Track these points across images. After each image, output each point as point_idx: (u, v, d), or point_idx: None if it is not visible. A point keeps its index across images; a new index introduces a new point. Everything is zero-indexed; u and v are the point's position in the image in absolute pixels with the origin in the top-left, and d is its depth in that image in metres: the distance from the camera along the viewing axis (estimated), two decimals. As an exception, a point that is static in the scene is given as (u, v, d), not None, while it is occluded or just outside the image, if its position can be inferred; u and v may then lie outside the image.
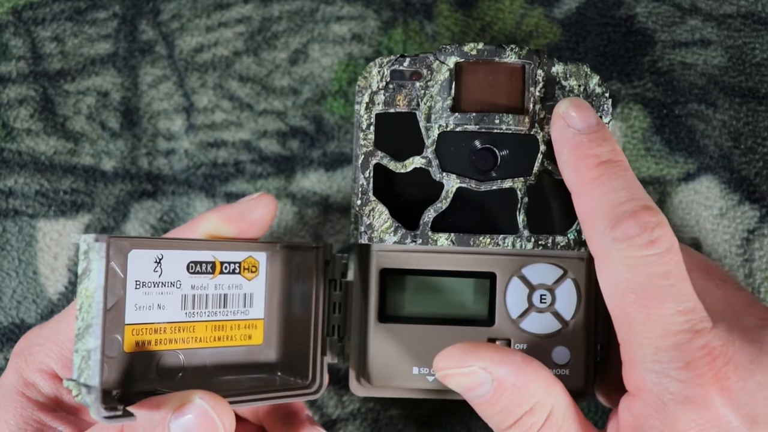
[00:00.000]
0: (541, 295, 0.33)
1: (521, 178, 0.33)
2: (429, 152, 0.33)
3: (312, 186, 0.44)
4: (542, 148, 0.33)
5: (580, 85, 0.33)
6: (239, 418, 0.35)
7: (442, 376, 0.30)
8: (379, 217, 0.33)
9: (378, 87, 0.33)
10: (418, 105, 0.33)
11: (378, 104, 0.33)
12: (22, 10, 0.45)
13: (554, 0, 0.45)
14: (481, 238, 0.33)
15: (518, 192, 0.33)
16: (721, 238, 0.43)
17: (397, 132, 0.33)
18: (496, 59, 0.33)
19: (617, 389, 0.31)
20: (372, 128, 0.33)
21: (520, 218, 0.33)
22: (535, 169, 0.33)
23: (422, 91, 0.33)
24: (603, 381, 0.34)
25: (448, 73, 0.33)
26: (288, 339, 0.34)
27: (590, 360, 0.33)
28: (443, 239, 0.33)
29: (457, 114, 0.33)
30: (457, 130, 0.33)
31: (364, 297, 0.34)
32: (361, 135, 0.33)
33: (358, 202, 0.33)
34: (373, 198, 0.33)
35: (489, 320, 0.33)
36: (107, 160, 0.44)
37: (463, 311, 0.34)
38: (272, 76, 0.45)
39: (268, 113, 0.45)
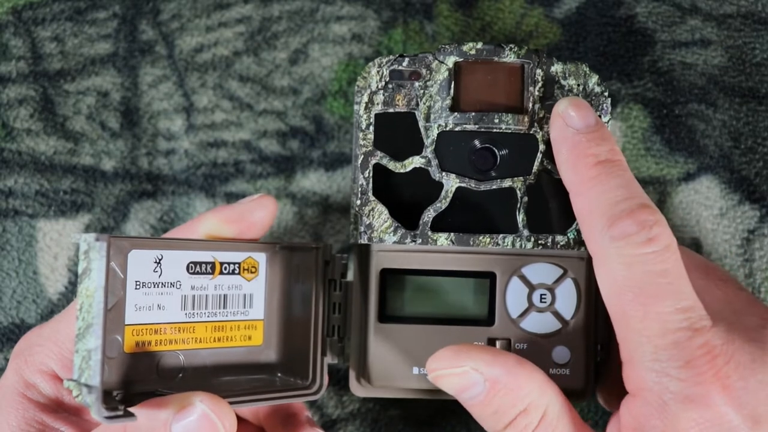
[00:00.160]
0: (541, 295, 0.33)
1: (521, 178, 0.33)
2: (428, 152, 0.33)
3: (312, 186, 0.44)
4: (542, 147, 0.33)
5: (579, 85, 0.33)
6: (239, 419, 0.35)
7: (435, 377, 0.29)
8: (379, 217, 0.33)
9: (377, 87, 0.33)
10: (417, 105, 0.33)
11: (377, 104, 0.33)
12: (22, 10, 0.45)
13: (554, 0, 0.45)
14: (480, 238, 0.33)
15: (518, 191, 0.33)
16: (722, 238, 0.43)
17: (397, 132, 0.33)
18: (495, 59, 0.33)
19: (618, 392, 0.31)
20: (371, 128, 0.33)
21: (520, 218, 0.33)
22: (535, 168, 0.33)
23: (421, 91, 0.33)
24: (603, 384, 0.34)
25: (447, 73, 0.33)
26: (288, 339, 0.34)
27: (590, 359, 0.33)
28: (443, 239, 0.33)
29: (456, 114, 0.33)
30: (457, 129, 0.33)
31: (364, 297, 0.34)
32: (361, 135, 0.33)
33: (358, 202, 0.33)
34: (372, 198, 0.33)
35: (489, 320, 0.33)
36: (107, 160, 0.44)
37: (463, 311, 0.33)
38: (272, 76, 0.45)
39: (268, 113, 0.45)
